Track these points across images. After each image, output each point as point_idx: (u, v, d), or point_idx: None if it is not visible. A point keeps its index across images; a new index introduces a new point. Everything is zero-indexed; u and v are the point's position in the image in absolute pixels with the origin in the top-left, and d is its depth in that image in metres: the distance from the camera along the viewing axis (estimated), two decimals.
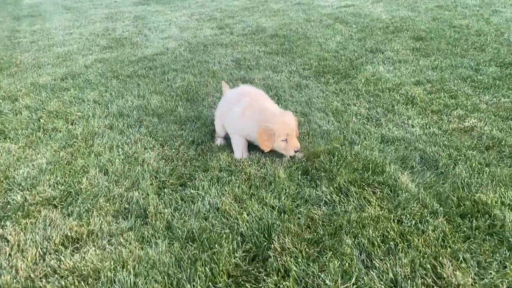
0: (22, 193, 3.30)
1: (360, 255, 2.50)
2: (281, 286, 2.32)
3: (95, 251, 2.67)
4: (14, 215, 3.05)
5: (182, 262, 2.53)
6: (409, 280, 2.30)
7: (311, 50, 6.65)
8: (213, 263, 2.49)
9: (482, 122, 3.94)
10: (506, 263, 2.36)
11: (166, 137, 4.10)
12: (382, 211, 2.82)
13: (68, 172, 3.59)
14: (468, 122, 3.96)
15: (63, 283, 2.43)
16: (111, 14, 11.54)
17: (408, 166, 3.34)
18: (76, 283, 2.43)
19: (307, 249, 2.55)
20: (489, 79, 4.93)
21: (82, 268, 2.52)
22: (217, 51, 7.05)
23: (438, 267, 2.36)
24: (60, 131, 4.37)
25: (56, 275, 2.51)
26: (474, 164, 3.25)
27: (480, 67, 5.36)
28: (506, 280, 2.25)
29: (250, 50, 6.95)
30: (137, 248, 2.68)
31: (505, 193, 2.90)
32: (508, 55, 5.69)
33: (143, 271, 2.49)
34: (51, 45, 8.28)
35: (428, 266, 2.36)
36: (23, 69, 6.75)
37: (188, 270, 2.46)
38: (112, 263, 2.54)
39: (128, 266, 2.51)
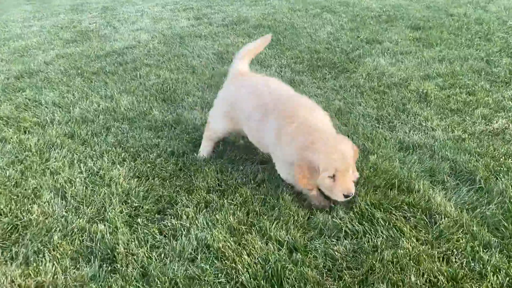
0: None
1: None
2: None
3: None
4: None
5: None
6: None
7: (300, 41, 5.99)
8: None
9: None
10: None
11: (139, 148, 3.38)
12: (422, 246, 2.20)
13: (15, 197, 2.83)
14: (497, 123, 3.39)
15: None
16: (76, 5, 10.55)
17: (439, 181, 2.74)
18: None
19: None
20: (505, 72, 4.39)
21: None
22: (195, 43, 6.29)
23: None
24: (10, 143, 3.58)
25: None
26: None
27: (492, 58, 4.82)
28: None
29: (233, 42, 6.22)
30: None
31: None
32: None
33: None
34: (6, 39, 7.32)
35: None
36: None
37: None
38: None
39: None
